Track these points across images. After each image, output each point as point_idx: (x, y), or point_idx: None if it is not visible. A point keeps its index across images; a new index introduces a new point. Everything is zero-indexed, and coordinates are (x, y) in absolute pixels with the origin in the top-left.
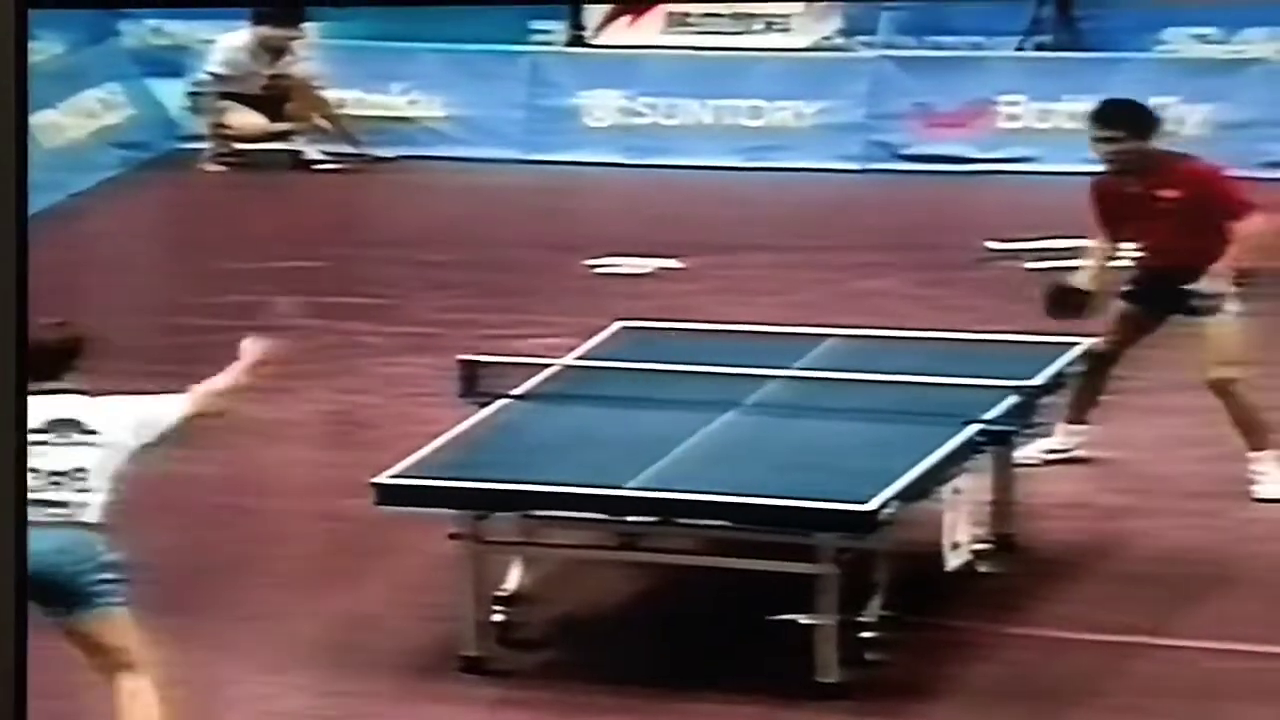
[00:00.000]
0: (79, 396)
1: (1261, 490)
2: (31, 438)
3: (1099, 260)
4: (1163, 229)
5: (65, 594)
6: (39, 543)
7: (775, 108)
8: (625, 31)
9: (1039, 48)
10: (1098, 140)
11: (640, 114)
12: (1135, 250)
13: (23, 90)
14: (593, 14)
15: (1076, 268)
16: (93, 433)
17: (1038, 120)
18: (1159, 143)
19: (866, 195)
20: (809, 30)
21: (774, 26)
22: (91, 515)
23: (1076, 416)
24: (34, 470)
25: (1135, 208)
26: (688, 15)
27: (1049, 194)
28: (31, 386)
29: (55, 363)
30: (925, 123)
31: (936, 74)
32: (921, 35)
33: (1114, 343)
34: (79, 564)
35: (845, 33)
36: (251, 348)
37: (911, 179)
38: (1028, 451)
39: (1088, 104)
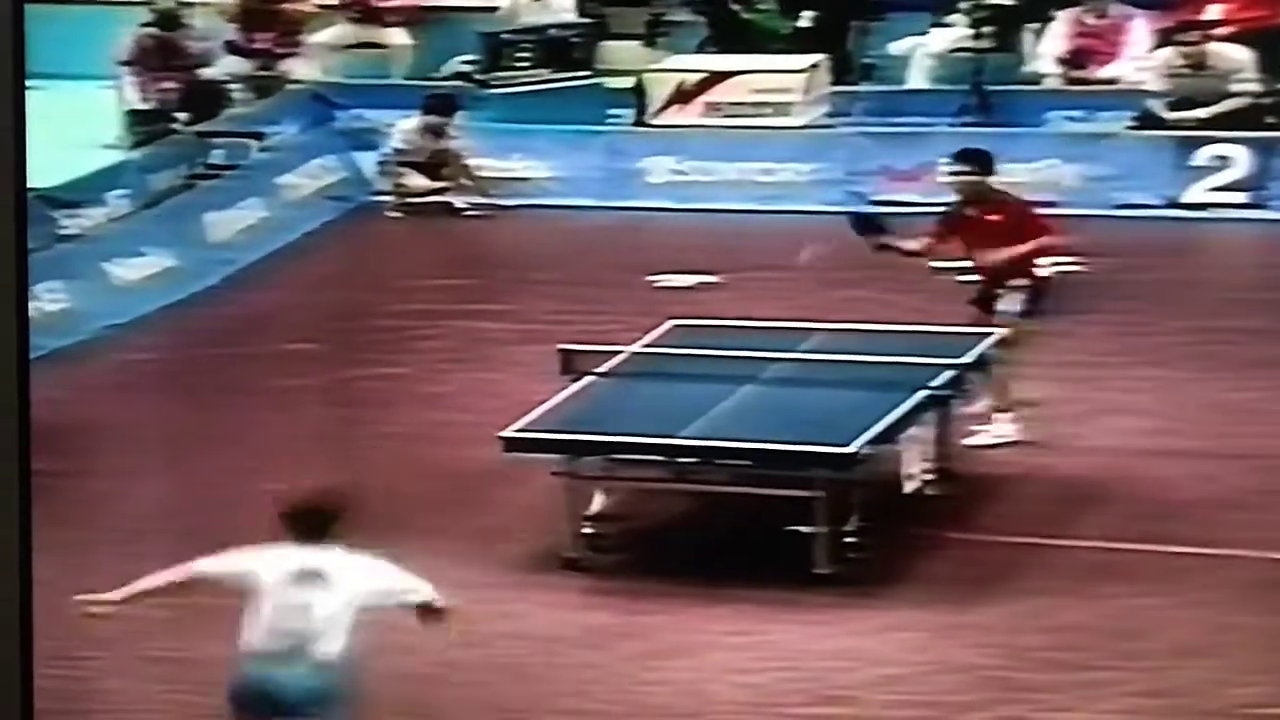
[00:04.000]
0: (327, 550)
1: (974, 440)
2: (281, 581)
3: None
4: (988, 244)
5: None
6: (274, 669)
7: (782, 168)
8: (675, 115)
9: (966, 124)
10: (953, 174)
11: (685, 173)
12: (970, 264)
13: (20, 98)
14: (653, 103)
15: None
16: (329, 583)
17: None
18: (994, 181)
19: (846, 230)
20: (806, 114)
21: (780, 111)
22: (318, 653)
23: None
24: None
25: (971, 228)
26: (720, 104)
27: None
28: (292, 542)
29: (317, 525)
30: (888, 178)
31: (895, 144)
32: (884, 116)
33: None
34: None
35: (831, 115)
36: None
37: None
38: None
39: (999, 164)
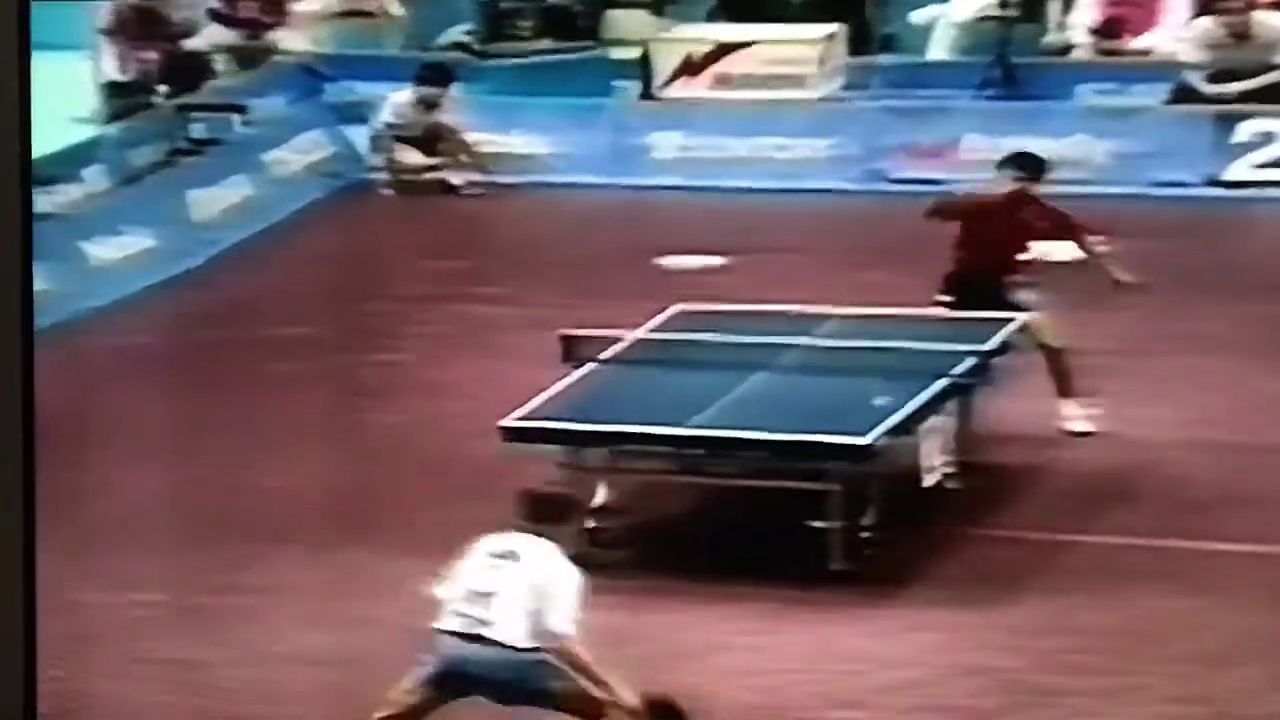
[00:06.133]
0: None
1: (1067, 426)
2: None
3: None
4: (1016, 242)
5: (513, 698)
6: (462, 648)
7: (796, 144)
8: (683, 88)
9: (990, 99)
10: (1011, 177)
11: (694, 149)
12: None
13: (26, 94)
14: (660, 75)
15: None
16: (519, 567)
17: (991, 153)
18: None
19: (864, 209)
20: (821, 86)
21: (794, 84)
22: (501, 635)
23: None
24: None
25: (998, 225)
26: (730, 76)
27: None
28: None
29: (552, 514)
30: (908, 155)
31: (916, 119)
32: (904, 89)
33: None
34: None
35: (848, 88)
36: None
37: (898, 197)
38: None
39: (1026, 140)
